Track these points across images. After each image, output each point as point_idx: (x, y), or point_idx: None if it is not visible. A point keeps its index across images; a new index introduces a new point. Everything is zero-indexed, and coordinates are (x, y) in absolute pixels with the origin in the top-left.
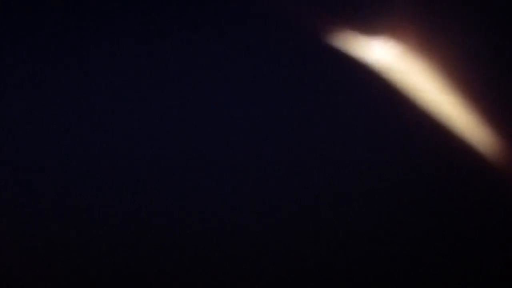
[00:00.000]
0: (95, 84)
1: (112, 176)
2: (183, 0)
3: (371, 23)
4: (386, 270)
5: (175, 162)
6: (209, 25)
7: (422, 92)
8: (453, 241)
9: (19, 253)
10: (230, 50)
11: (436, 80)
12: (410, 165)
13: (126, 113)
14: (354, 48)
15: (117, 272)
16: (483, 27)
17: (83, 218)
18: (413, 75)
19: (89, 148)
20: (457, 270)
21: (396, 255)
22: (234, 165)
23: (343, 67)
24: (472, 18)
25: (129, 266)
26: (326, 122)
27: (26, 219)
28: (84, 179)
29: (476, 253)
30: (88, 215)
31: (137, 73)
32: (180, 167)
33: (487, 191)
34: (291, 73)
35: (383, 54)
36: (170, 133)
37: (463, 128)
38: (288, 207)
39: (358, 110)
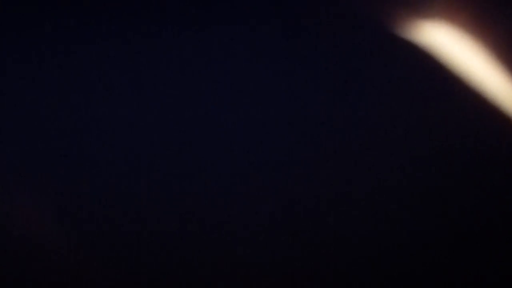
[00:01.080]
0: (95, 83)
1: (112, 176)
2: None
3: (422, 6)
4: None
5: (177, 161)
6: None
7: (474, 74)
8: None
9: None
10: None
11: (488, 63)
12: (463, 150)
13: (126, 113)
14: (405, 31)
15: (117, 272)
16: None
17: (83, 218)
18: (464, 58)
19: (88, 148)
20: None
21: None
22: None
23: (396, 50)
24: None
25: (129, 266)
26: (380, 106)
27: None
28: (83, 179)
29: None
30: (87, 215)
31: (138, 72)
32: (182, 166)
33: None
34: (342, 58)
35: (435, 37)
36: (171, 133)
37: None
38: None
39: (412, 93)
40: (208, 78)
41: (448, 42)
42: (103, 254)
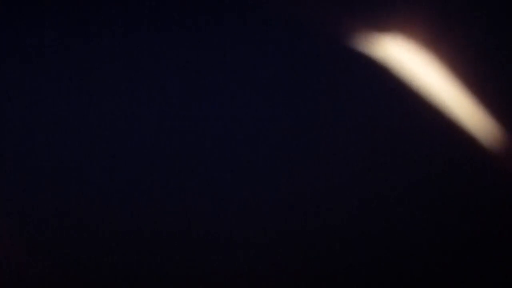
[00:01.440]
0: (94, 83)
1: (112, 175)
2: None
3: (380, 19)
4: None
5: (177, 161)
6: (213, 22)
7: (431, 87)
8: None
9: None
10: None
11: (444, 76)
12: (418, 161)
13: (126, 112)
14: (363, 44)
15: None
16: (490, 22)
17: (81, 218)
18: (422, 71)
19: (88, 148)
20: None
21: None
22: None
23: (352, 64)
24: (479, 14)
25: (129, 266)
26: (335, 119)
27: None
28: (83, 179)
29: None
30: (87, 215)
31: (138, 72)
32: (182, 166)
33: (494, 187)
34: (299, 70)
35: (392, 50)
36: (171, 133)
37: (471, 125)
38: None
39: (367, 106)
40: (208, 78)
41: (405, 56)
42: (103, 254)
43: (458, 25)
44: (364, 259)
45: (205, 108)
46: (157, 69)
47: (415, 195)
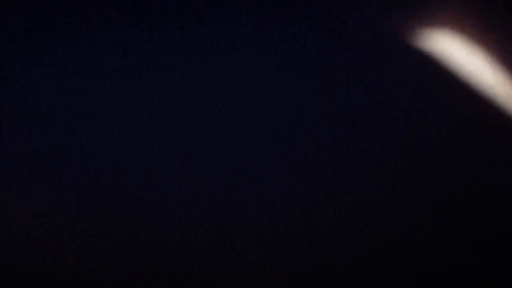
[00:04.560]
0: (95, 83)
1: (113, 176)
2: None
3: (431, 15)
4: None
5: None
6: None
7: (480, 81)
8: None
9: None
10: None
11: (493, 70)
12: (467, 154)
13: (126, 113)
14: (414, 40)
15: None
16: None
17: (83, 218)
18: (471, 66)
19: (88, 148)
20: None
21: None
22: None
23: (404, 59)
24: None
25: (129, 267)
26: (387, 114)
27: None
28: (84, 180)
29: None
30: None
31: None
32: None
33: None
34: (353, 67)
35: (441, 44)
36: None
37: None
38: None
39: (418, 100)
40: (208, 78)
41: (454, 50)
42: (103, 254)
43: (506, 19)
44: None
45: (205, 108)
46: (158, 69)
47: (469, 190)
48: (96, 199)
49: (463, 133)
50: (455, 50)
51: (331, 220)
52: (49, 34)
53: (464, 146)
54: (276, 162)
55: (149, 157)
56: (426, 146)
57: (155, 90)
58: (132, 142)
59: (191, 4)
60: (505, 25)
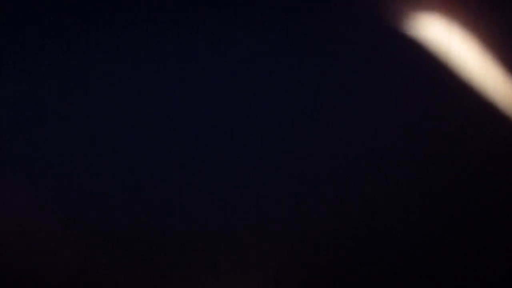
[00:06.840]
0: (95, 82)
1: (113, 175)
2: None
3: (426, 3)
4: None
5: (177, 160)
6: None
7: (470, 66)
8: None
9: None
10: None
11: (483, 55)
12: (456, 143)
13: (126, 113)
14: (404, 25)
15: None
16: None
17: (83, 218)
18: (460, 51)
19: (88, 148)
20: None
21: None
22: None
23: (393, 43)
24: None
25: (129, 267)
26: (377, 101)
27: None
28: (84, 180)
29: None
30: (88, 215)
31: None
32: (182, 166)
33: None
34: (336, 51)
35: (432, 30)
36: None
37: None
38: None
39: (410, 89)
40: (209, 77)
41: (446, 36)
42: (103, 254)
43: (496, 5)
44: (365, 261)
45: (205, 108)
46: (158, 69)
47: (459, 178)
48: (96, 199)
49: (461, 128)
50: (447, 37)
51: (331, 220)
52: (49, 34)
53: (464, 143)
54: (276, 162)
55: (149, 157)
56: (424, 142)
57: (155, 90)
58: (132, 142)
59: (191, 4)
60: (501, 13)
